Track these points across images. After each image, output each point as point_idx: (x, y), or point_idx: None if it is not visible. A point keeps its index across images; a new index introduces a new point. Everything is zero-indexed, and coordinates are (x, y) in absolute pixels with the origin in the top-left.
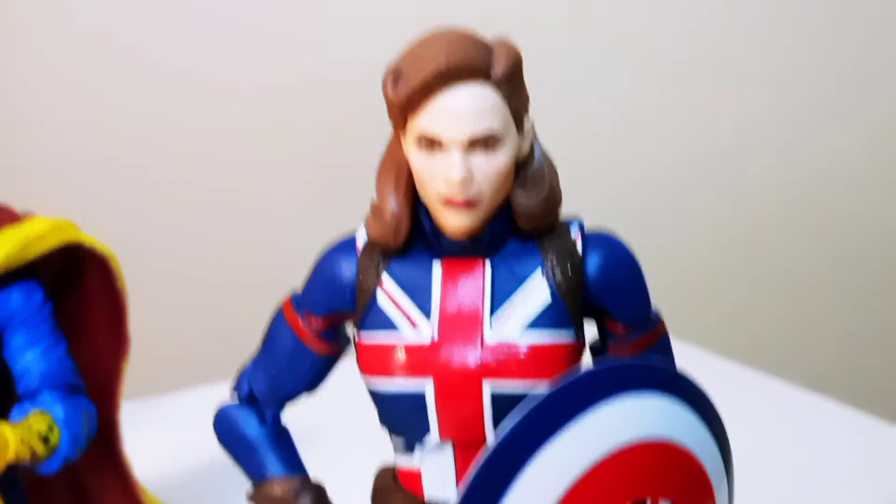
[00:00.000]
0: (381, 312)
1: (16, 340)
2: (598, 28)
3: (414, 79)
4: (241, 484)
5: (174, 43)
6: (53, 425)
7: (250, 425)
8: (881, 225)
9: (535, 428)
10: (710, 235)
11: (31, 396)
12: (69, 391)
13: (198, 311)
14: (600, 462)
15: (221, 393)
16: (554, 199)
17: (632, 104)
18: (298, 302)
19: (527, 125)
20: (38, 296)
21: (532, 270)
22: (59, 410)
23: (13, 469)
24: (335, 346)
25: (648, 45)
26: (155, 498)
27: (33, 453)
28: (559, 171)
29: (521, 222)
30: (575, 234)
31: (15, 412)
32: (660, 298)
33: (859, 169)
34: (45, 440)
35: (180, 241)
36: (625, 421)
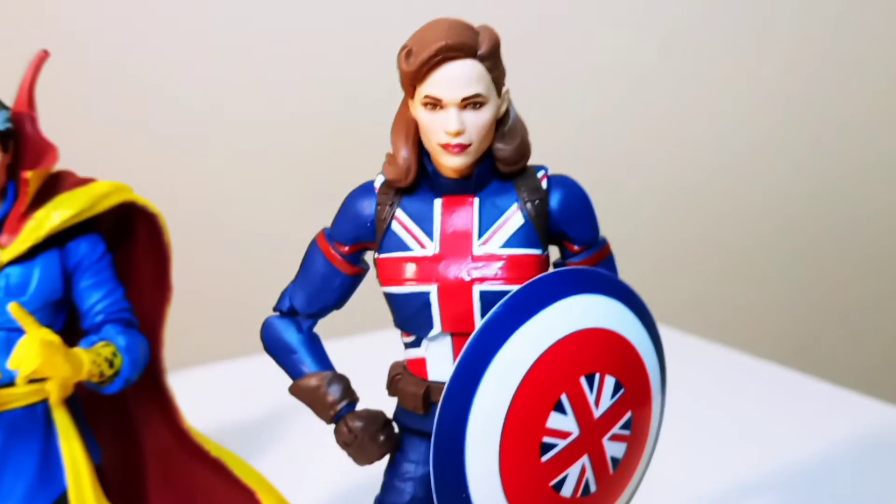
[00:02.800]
0: (395, 236)
1: (83, 283)
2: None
3: (421, 55)
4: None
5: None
6: (117, 352)
7: (290, 333)
8: (847, 207)
9: (510, 316)
10: (682, 220)
11: (96, 330)
12: (126, 326)
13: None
14: (558, 342)
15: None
16: (524, 148)
17: (610, 93)
18: (329, 234)
19: (504, 91)
20: (101, 246)
21: (509, 203)
22: (120, 340)
23: (76, 391)
24: (359, 268)
25: (633, 36)
26: (197, 430)
27: (101, 374)
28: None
29: (500, 166)
30: (541, 176)
31: (83, 343)
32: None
33: (826, 155)
34: (111, 364)
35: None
36: (577, 312)
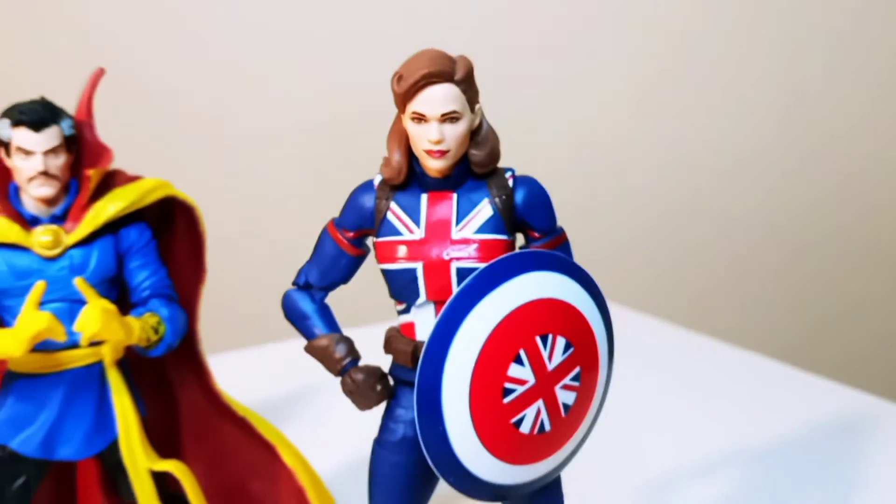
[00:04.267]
0: (389, 224)
1: (132, 263)
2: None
3: (409, 80)
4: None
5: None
6: (161, 321)
7: (305, 303)
8: (821, 193)
9: (479, 286)
10: (656, 209)
11: (143, 303)
12: (168, 300)
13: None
14: (518, 308)
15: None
16: (494, 153)
17: (586, 89)
18: (337, 222)
19: (476, 108)
20: (147, 233)
21: (481, 198)
22: (164, 311)
23: (125, 354)
24: (361, 250)
25: (638, 41)
26: (226, 392)
27: (148, 339)
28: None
29: (474, 168)
30: (508, 176)
31: (133, 313)
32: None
33: (800, 140)
34: (156, 331)
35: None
36: (534, 285)
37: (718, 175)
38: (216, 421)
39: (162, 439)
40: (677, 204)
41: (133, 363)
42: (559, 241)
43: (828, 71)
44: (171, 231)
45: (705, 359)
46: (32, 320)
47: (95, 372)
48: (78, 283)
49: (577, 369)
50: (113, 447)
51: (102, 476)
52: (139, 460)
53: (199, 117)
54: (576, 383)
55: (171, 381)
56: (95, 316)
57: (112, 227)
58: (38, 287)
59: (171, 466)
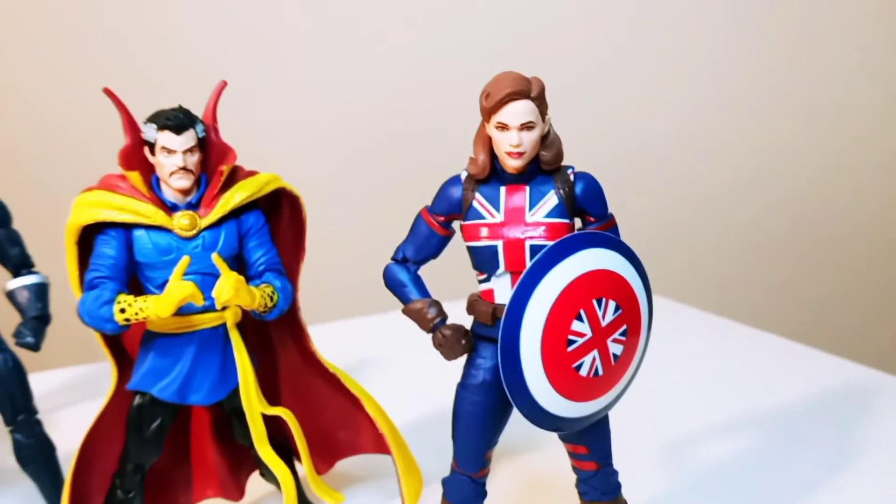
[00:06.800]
0: (475, 210)
1: (251, 243)
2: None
3: (496, 97)
4: None
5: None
6: (275, 290)
7: (402, 274)
8: (841, 187)
9: (548, 260)
10: (686, 200)
11: (259, 276)
12: (279, 274)
13: None
14: (578, 277)
15: None
16: (559, 154)
17: (624, 94)
18: (430, 208)
19: (546, 118)
20: (262, 218)
21: (549, 190)
22: (277, 282)
23: (242, 318)
24: (449, 231)
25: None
26: (320, 352)
27: (265, 306)
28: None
29: (543, 166)
30: (570, 173)
31: (251, 284)
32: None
33: (819, 134)
34: (271, 298)
35: None
36: (590, 259)
37: (741, 167)
38: (309, 376)
39: (264, 392)
40: (699, 197)
41: (242, 326)
42: (610, 224)
43: (851, 64)
44: (278, 217)
45: (725, 338)
46: (180, 287)
47: (220, 332)
48: (214, 258)
49: (624, 326)
50: (233, 395)
51: (213, 422)
52: (255, 405)
53: (252, 109)
54: (623, 338)
55: (273, 341)
56: (230, 284)
57: (235, 213)
58: (185, 261)
59: (280, 411)
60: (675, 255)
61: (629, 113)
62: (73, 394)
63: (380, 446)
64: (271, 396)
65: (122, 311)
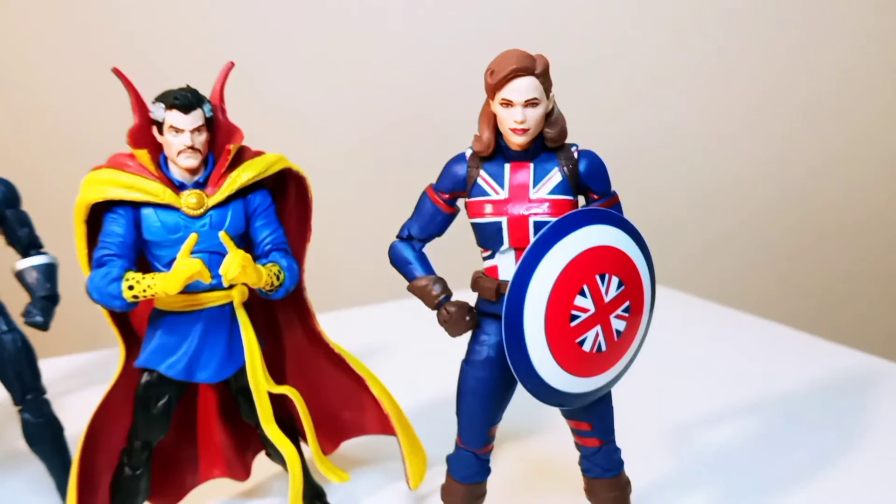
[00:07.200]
0: (479, 187)
1: (257, 223)
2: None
3: (500, 73)
4: None
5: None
6: (281, 269)
7: (407, 251)
8: (844, 181)
9: (551, 236)
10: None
11: (265, 255)
12: (285, 253)
13: None
14: (582, 252)
15: None
16: (563, 131)
17: (628, 83)
18: (435, 186)
19: (550, 95)
20: (269, 198)
21: (553, 167)
22: (283, 262)
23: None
24: (454, 209)
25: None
26: (325, 332)
27: (271, 284)
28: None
29: (547, 143)
30: (574, 150)
31: (258, 263)
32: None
33: (824, 124)
34: (277, 277)
35: None
36: (594, 235)
37: (746, 157)
38: (315, 357)
39: (270, 372)
40: (704, 189)
41: (249, 306)
42: (613, 201)
43: (858, 57)
44: (284, 197)
45: (728, 327)
46: (187, 265)
47: (227, 311)
48: (222, 236)
49: (627, 303)
50: (239, 374)
51: (220, 402)
52: (261, 384)
53: (271, 102)
54: (626, 314)
55: (278, 322)
56: (237, 262)
57: (242, 193)
58: (192, 238)
59: (287, 390)
60: (679, 246)
61: (631, 101)
62: (76, 380)
63: (385, 427)
64: (277, 376)
65: (131, 287)
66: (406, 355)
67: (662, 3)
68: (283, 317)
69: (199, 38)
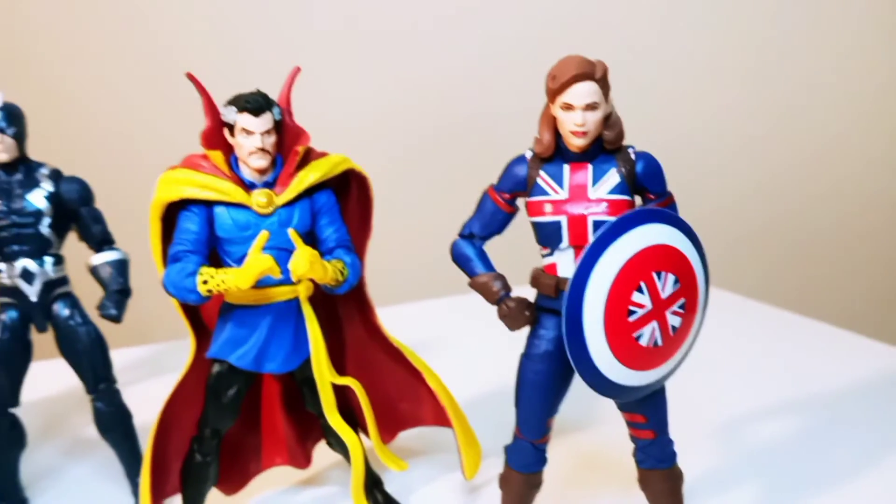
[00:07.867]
0: (539, 187)
1: (322, 220)
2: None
3: (562, 78)
4: None
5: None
6: (345, 266)
7: (469, 249)
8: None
9: (610, 235)
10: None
11: (330, 252)
12: (349, 250)
13: None
14: (639, 251)
15: None
16: (621, 133)
17: (666, 85)
18: (496, 187)
19: (609, 99)
20: (333, 197)
21: (611, 168)
22: (347, 258)
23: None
24: (514, 208)
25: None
26: (384, 326)
27: (336, 280)
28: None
29: (605, 145)
30: (631, 151)
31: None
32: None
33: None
34: (342, 273)
35: None
36: (651, 234)
37: (787, 157)
38: (374, 350)
39: (332, 363)
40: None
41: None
42: (669, 201)
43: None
44: (347, 196)
45: (774, 326)
46: (260, 260)
47: (293, 305)
48: (291, 233)
49: (682, 300)
50: (304, 365)
51: (283, 393)
52: (325, 375)
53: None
54: (681, 310)
55: (340, 316)
56: (305, 258)
57: (308, 192)
58: (264, 235)
59: (349, 381)
60: (721, 244)
61: (667, 105)
62: (138, 371)
63: (440, 419)
64: (338, 368)
65: (205, 282)
66: (460, 350)
67: (706, 2)
68: (345, 311)
69: (264, 49)
